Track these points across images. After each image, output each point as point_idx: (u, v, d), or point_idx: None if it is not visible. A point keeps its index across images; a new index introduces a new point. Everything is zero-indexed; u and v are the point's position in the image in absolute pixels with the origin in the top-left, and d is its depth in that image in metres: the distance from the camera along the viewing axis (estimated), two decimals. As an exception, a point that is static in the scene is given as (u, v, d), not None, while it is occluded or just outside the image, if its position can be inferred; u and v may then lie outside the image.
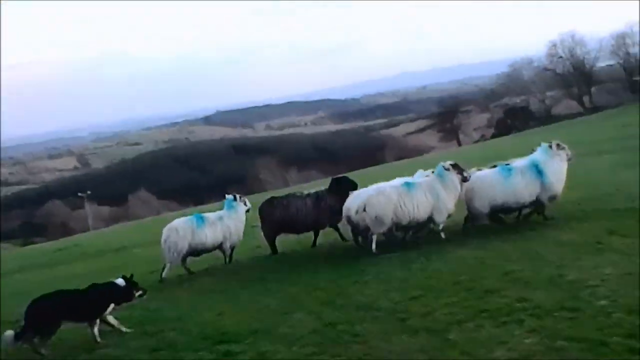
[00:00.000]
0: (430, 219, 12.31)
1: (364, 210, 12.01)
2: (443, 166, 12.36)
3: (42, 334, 8.89)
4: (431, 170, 12.81)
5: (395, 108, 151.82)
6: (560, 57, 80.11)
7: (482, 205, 12.26)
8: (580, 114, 70.27)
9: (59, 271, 19.90)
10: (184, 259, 13.81)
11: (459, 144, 79.45)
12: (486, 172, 12.72)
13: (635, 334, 5.97)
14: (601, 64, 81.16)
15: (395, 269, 10.54)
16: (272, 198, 14.85)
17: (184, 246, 13.51)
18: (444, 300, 8.27)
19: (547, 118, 74.99)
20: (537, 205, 12.47)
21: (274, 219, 14.29)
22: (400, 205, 11.95)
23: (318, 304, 9.39)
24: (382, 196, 12.01)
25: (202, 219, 13.92)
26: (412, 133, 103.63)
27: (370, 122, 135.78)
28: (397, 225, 12.27)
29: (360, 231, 12.56)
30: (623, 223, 10.74)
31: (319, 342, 7.64)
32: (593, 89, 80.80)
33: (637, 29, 72.57)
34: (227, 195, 14.66)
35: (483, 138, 77.35)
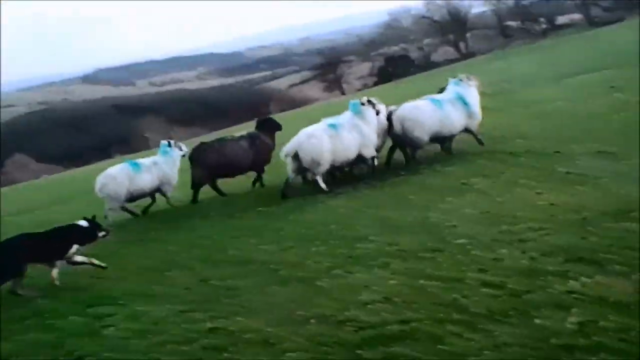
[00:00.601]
0: (360, 157, 12.47)
1: (297, 154, 12.02)
2: (360, 102, 12.55)
3: (11, 275, 9.08)
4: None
5: (279, 61, 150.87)
6: (437, 4, 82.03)
7: (423, 134, 12.51)
8: (457, 60, 72.27)
9: None
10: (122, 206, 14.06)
11: (343, 94, 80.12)
12: (420, 102, 12.91)
13: (487, 269, 6.34)
14: (476, 10, 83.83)
15: (269, 222, 10.67)
16: (203, 143, 14.74)
17: (122, 193, 13.71)
18: (316, 249, 8.46)
19: (426, 65, 76.74)
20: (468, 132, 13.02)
21: (210, 163, 14.12)
22: (333, 145, 12.03)
23: (194, 261, 9.42)
24: (313, 138, 12.03)
25: (137, 165, 14.08)
26: (296, 85, 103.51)
27: (254, 76, 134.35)
28: (331, 166, 12.32)
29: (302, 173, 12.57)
30: (485, 164, 11.22)
31: (192, 299, 7.69)
32: (468, 35, 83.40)
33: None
34: (162, 141, 14.93)
35: (366, 87, 78.28)
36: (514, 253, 6.56)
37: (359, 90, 74.24)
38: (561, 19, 76.86)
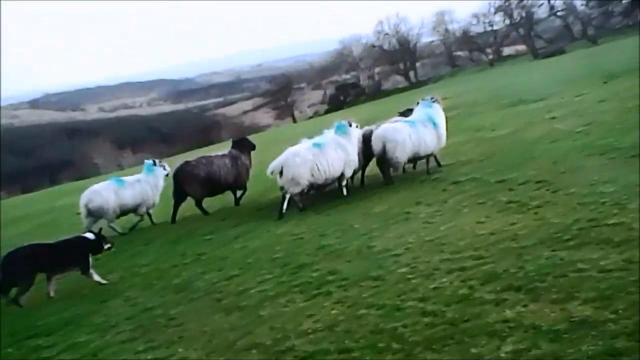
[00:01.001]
0: (342, 175, 12.72)
1: (281, 172, 12.11)
2: (349, 123, 12.94)
3: (20, 284, 9.42)
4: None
5: (230, 87, 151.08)
6: (387, 33, 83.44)
7: (403, 155, 12.78)
8: (407, 88, 73.38)
9: None
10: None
11: (294, 121, 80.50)
12: (398, 124, 13.13)
13: (428, 297, 6.38)
14: (425, 40, 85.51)
15: (214, 250, 10.65)
16: (188, 161, 14.72)
17: (109, 208, 13.92)
18: (259, 277, 8.47)
19: (376, 93, 77.74)
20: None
21: (200, 178, 14.17)
22: (316, 165, 12.19)
23: (135, 290, 9.35)
24: (298, 157, 12.11)
25: (121, 182, 14.22)
26: (247, 112, 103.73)
27: (206, 102, 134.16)
28: (312, 185, 12.51)
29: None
30: (430, 192, 11.39)
31: (133, 328, 7.60)
32: (418, 64, 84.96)
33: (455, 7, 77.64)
34: (145, 160, 15.06)
35: (317, 114, 78.83)
36: (453, 282, 6.63)
37: (311, 117, 74.76)
38: (507, 50, 79.03)
